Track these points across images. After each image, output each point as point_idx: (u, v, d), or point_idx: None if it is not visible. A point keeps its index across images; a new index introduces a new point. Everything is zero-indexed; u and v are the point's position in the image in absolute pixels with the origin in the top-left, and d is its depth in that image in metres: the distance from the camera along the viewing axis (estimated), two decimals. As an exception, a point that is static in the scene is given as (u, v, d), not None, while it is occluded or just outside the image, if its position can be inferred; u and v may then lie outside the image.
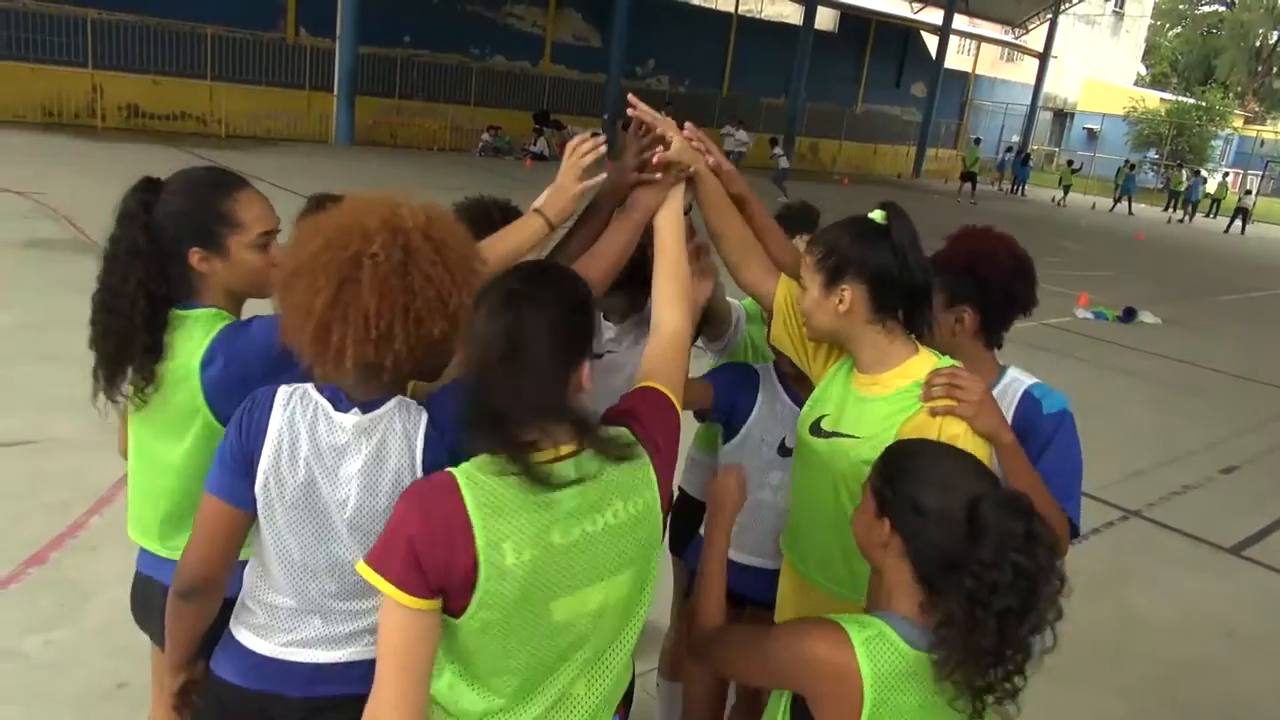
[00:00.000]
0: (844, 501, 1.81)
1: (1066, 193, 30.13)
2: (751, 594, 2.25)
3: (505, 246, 1.80)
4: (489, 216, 2.14)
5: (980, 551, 1.34)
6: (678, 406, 1.57)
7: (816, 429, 1.89)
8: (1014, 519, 1.36)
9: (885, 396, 1.79)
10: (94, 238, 8.65)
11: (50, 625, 3.21)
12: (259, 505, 1.52)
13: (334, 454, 1.48)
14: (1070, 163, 32.03)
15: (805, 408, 1.97)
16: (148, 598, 1.87)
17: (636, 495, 1.42)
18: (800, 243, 2.41)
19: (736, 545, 2.17)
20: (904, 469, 1.49)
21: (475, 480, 1.32)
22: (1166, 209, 30.75)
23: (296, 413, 1.49)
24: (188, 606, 1.58)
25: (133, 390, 1.77)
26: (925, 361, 1.81)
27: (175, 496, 1.82)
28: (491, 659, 1.36)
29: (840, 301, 1.78)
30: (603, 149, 1.92)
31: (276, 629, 1.57)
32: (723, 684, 2.48)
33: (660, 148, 1.86)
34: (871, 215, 1.82)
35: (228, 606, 1.65)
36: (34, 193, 10.39)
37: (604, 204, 1.90)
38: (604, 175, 1.87)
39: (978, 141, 29.36)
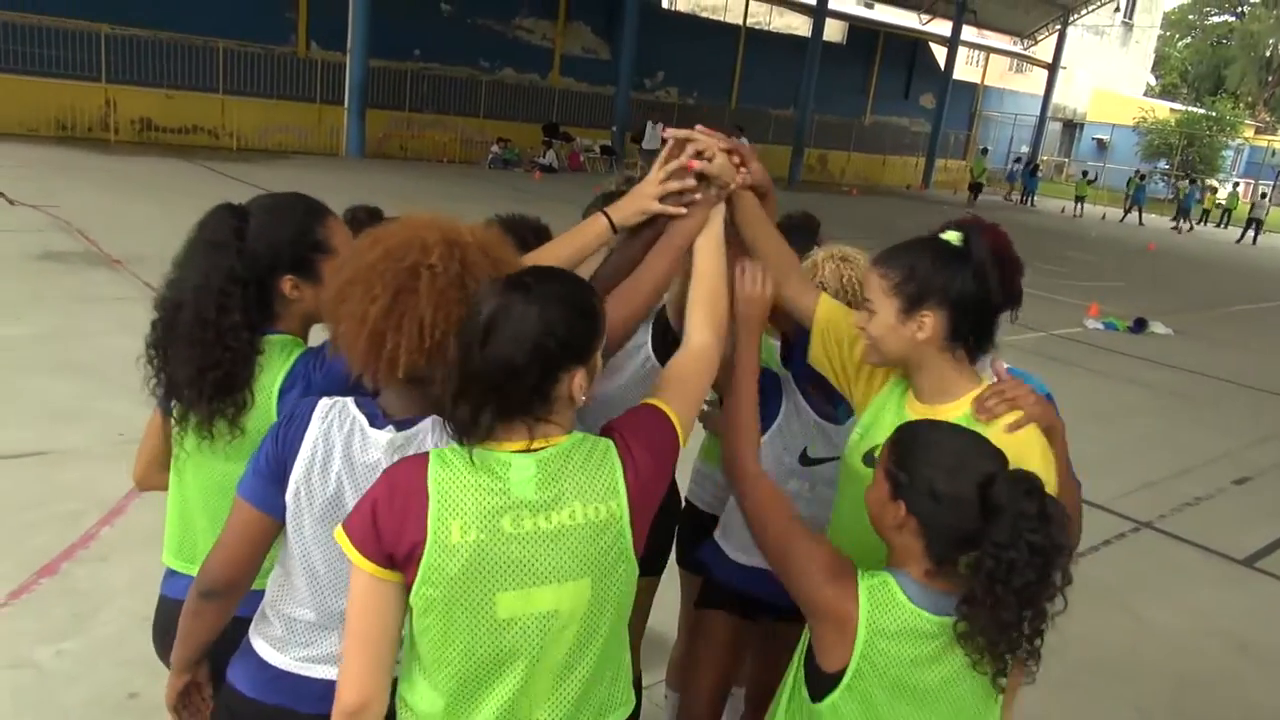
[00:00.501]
0: None
1: (1080, 204, 30.10)
2: (765, 598, 2.26)
3: (566, 251, 1.77)
4: (523, 241, 2.07)
5: (995, 532, 1.40)
6: (677, 425, 1.53)
7: (870, 460, 1.81)
8: (1027, 499, 1.41)
9: None
10: (107, 250, 8.71)
11: (61, 635, 3.22)
12: (288, 514, 1.53)
13: (366, 471, 1.50)
14: (1085, 173, 32.01)
15: (854, 435, 1.91)
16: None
17: (599, 502, 1.40)
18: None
19: (749, 550, 2.18)
20: (916, 453, 1.52)
21: (445, 459, 1.36)
22: (1175, 219, 30.72)
23: (333, 427, 1.51)
24: (208, 606, 1.58)
25: (227, 425, 1.69)
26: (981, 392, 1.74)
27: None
28: (433, 645, 1.37)
29: (919, 328, 1.71)
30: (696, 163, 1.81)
31: (293, 642, 1.58)
32: (721, 696, 2.48)
33: (703, 159, 1.80)
34: (946, 236, 1.75)
35: (239, 624, 1.65)
36: (47, 206, 10.47)
37: (644, 230, 1.84)
38: (684, 211, 1.79)
39: (985, 152, 29.30)
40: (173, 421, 1.74)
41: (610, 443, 1.45)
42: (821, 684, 1.55)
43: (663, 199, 1.79)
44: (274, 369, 1.71)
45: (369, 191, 13.47)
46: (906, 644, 1.49)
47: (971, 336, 1.74)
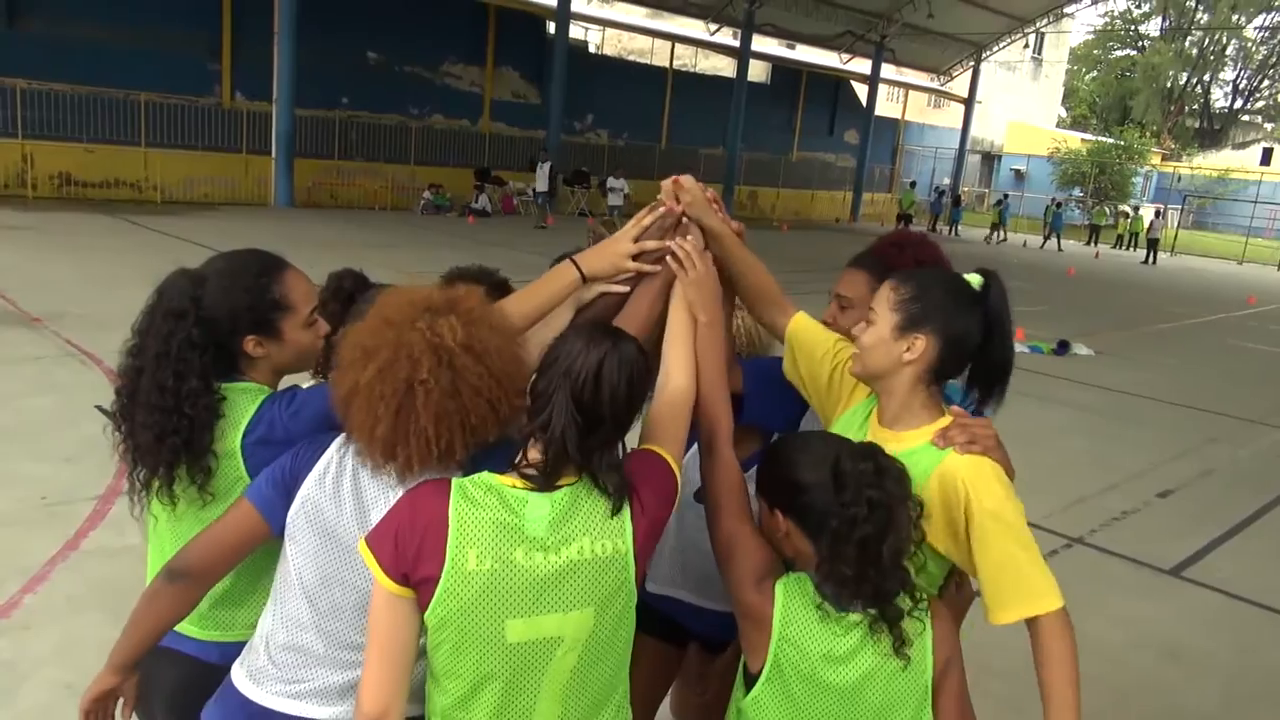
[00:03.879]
0: None
1: (995, 230, 30.89)
2: (686, 624, 2.29)
3: (535, 300, 1.81)
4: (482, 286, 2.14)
5: (843, 496, 1.52)
6: (676, 471, 1.62)
7: None
8: (864, 460, 1.54)
9: (906, 453, 1.70)
10: (25, 309, 8.46)
11: (-18, 710, 3.09)
12: (290, 529, 1.58)
13: (374, 497, 1.57)
14: (1000, 201, 32.96)
15: None
16: (173, 680, 1.79)
17: (605, 539, 1.48)
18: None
19: (656, 578, 2.22)
20: (779, 463, 1.65)
21: (465, 490, 1.46)
22: (1088, 243, 31.79)
23: (350, 453, 1.59)
24: (170, 588, 1.59)
25: (196, 489, 1.70)
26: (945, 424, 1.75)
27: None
28: (445, 659, 1.46)
29: (908, 349, 1.72)
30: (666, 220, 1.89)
31: (274, 676, 1.59)
32: None
33: (675, 197, 1.88)
34: (968, 277, 1.77)
35: (221, 674, 1.67)
36: (-39, 265, 10.14)
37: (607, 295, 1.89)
38: (658, 269, 1.86)
39: (913, 185, 29.99)
40: (137, 487, 1.75)
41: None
42: (750, 684, 1.62)
43: (636, 257, 1.86)
44: (239, 416, 1.74)
45: (299, 241, 13.34)
46: (818, 639, 1.56)
47: (978, 384, 1.78)
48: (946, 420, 1.74)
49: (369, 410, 1.47)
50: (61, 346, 7.44)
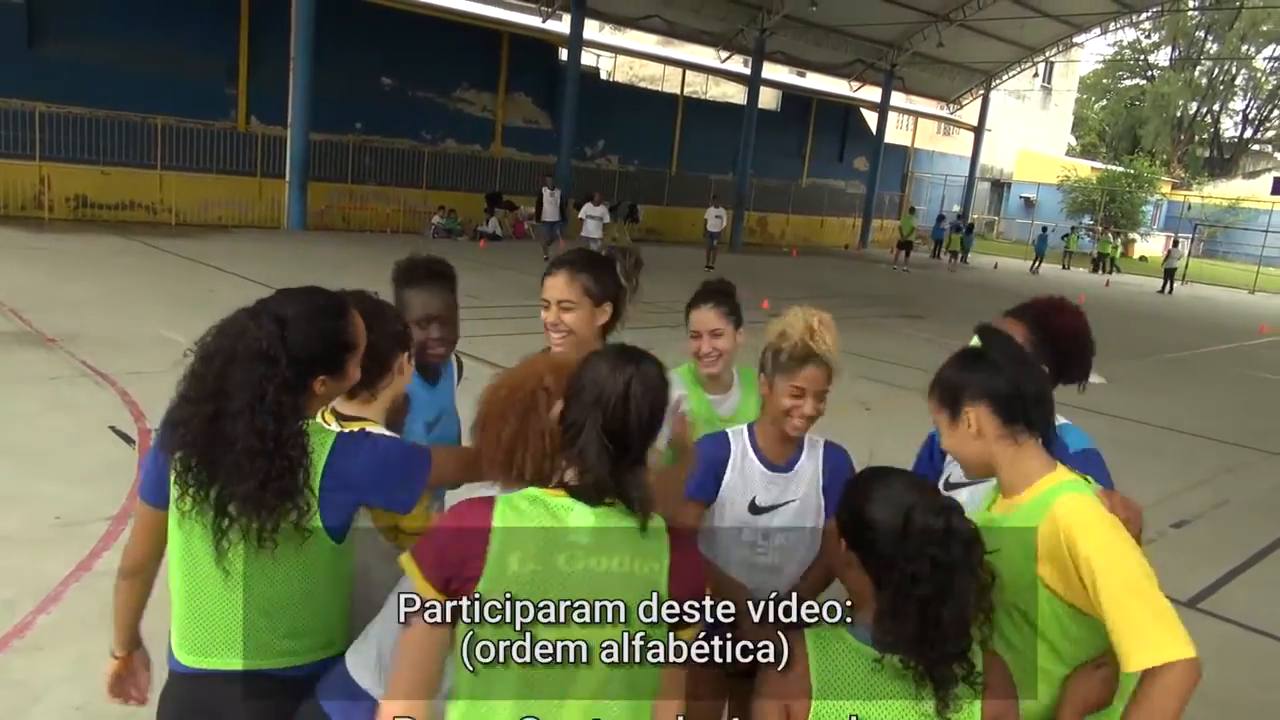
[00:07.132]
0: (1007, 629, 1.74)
1: (956, 258, 29.91)
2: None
3: None
4: (435, 274, 2.30)
5: (907, 548, 1.51)
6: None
7: None
8: (935, 517, 1.52)
9: (1031, 502, 1.75)
10: (40, 329, 8.51)
11: (-6, 732, 3.08)
12: None
13: None
14: (963, 217, 32.25)
15: None
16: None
17: (645, 559, 1.53)
18: (708, 311, 2.58)
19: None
20: (858, 494, 1.66)
21: (511, 502, 1.54)
22: (1095, 271, 31.83)
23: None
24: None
25: (293, 526, 1.67)
26: (1059, 477, 1.77)
27: (295, 605, 1.75)
28: (470, 663, 1.47)
29: (969, 426, 1.78)
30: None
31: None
32: None
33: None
34: (970, 344, 1.90)
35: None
36: (-22, 286, 10.22)
37: None
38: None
39: (913, 211, 30.01)
40: (212, 538, 1.69)
41: (660, 518, 1.58)
42: None
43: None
44: (315, 458, 1.73)
45: (311, 263, 13.42)
46: (859, 683, 1.55)
47: (1031, 419, 1.78)
48: (1061, 475, 1.77)
49: (500, 420, 1.66)
50: (76, 367, 7.48)
